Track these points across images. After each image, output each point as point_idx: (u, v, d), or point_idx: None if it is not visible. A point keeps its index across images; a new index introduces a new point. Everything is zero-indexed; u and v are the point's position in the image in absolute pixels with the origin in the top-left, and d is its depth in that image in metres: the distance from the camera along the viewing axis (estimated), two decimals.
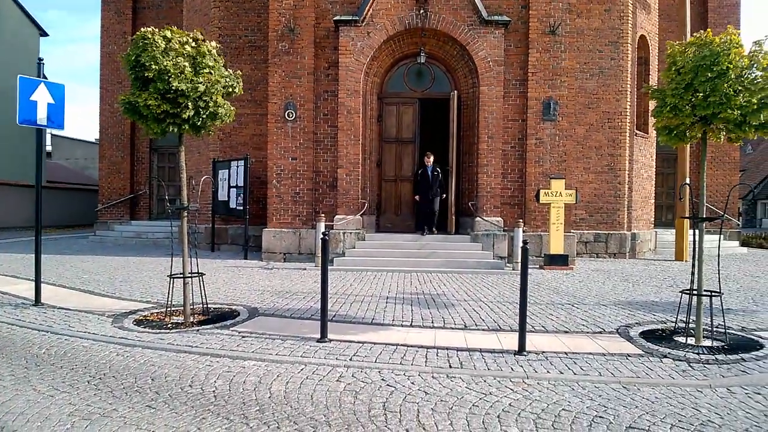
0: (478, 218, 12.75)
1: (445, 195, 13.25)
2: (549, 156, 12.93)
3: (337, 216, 12.80)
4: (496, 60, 12.75)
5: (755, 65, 5.72)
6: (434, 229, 13.13)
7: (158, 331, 6.24)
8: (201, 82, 6.32)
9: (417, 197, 13.19)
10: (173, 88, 6.13)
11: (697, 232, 6.08)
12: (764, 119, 5.62)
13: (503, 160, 13.02)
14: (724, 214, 6.77)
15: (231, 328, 6.36)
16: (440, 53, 13.43)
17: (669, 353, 5.52)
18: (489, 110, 12.80)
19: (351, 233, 12.61)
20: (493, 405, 4.09)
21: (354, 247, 12.53)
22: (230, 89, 6.87)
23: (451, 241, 12.87)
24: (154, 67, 6.10)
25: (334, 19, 12.87)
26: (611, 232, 14.83)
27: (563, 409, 4.03)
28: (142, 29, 6.38)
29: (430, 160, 13.06)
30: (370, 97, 13.50)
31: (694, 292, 6.03)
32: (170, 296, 6.81)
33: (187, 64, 6.28)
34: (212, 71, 6.52)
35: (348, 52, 12.77)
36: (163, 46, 6.17)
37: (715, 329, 6.08)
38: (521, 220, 12.31)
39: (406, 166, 13.75)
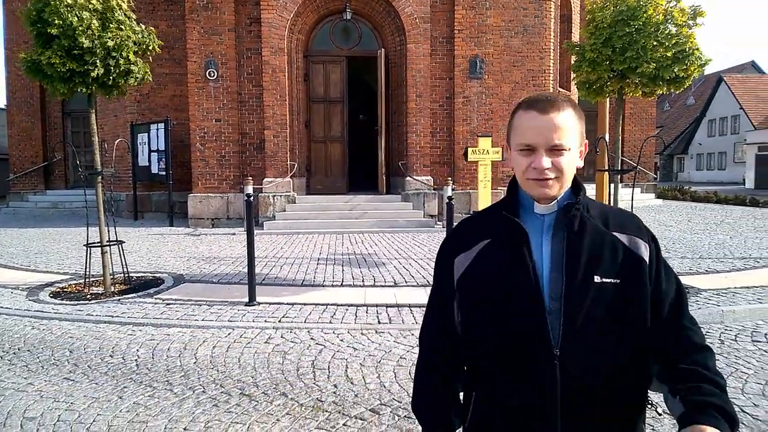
0: (408, 178, 12.82)
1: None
2: (476, 114, 13.08)
3: (266, 179, 12.53)
4: (422, 17, 12.64)
5: (670, 21, 5.94)
6: None
7: (76, 302, 5.98)
8: (110, 38, 5.93)
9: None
10: (79, 44, 5.72)
11: (612, 185, 6.36)
12: (677, 73, 5.88)
13: (432, 118, 13.07)
14: (637, 166, 7.10)
15: (155, 296, 6.16)
16: (366, 9, 13.17)
17: None
18: (417, 68, 12.74)
19: (281, 196, 12.40)
20: None
21: (284, 210, 12.35)
22: (145, 47, 6.49)
23: (382, 201, 12.91)
24: (57, 22, 5.68)
25: None
26: None
27: None
28: None
29: (567, 182, 1.33)
30: (296, 56, 13.13)
31: None
32: (88, 266, 6.51)
33: (94, 19, 5.87)
34: (122, 26, 6.12)
35: (270, 7, 12.30)
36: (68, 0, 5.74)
37: None
38: (450, 179, 12.44)
39: (335, 126, 13.55)
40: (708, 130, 43.88)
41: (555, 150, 1.26)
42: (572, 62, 6.56)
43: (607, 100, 8.12)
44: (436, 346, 1.44)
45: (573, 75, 6.73)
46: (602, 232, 1.31)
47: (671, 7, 5.96)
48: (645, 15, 5.74)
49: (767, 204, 17.22)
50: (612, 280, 1.25)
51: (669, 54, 5.75)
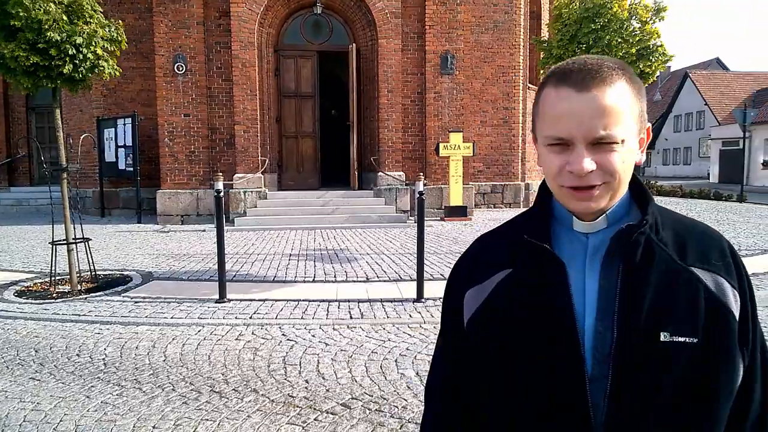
0: (380, 173, 12.83)
1: None
2: (447, 110, 13.15)
3: (236, 175, 12.40)
4: (393, 12, 12.64)
5: (634, 18, 6.08)
6: None
7: (42, 301, 5.87)
8: (77, 33, 5.80)
9: None
10: (46, 38, 5.59)
11: None
12: (642, 69, 6.03)
13: (403, 114, 13.09)
14: None
15: (122, 294, 6.07)
16: (337, 4, 13.11)
17: None
18: (388, 64, 12.75)
19: (252, 192, 12.30)
20: (391, 350, 4.21)
21: (256, 206, 12.25)
22: (114, 43, 6.36)
23: (354, 196, 12.91)
24: (22, 14, 5.53)
25: None
26: (507, 183, 15.46)
27: None
28: None
29: (623, 189, 0.92)
30: (266, 50, 13.00)
31: None
32: (54, 264, 6.38)
33: (61, 11, 5.73)
34: (90, 20, 6.00)
35: (240, 1, 12.16)
36: None
37: None
38: (422, 174, 12.47)
39: (307, 121, 13.48)
40: (674, 125, 44.84)
41: (601, 144, 0.84)
42: (540, 58, 6.66)
43: None
44: (446, 397, 1.05)
45: (541, 71, 6.83)
46: (676, 267, 0.88)
47: (635, 4, 6.10)
48: (610, 12, 5.87)
49: (730, 198, 17.70)
50: (687, 340, 0.83)
51: (633, 51, 5.88)
